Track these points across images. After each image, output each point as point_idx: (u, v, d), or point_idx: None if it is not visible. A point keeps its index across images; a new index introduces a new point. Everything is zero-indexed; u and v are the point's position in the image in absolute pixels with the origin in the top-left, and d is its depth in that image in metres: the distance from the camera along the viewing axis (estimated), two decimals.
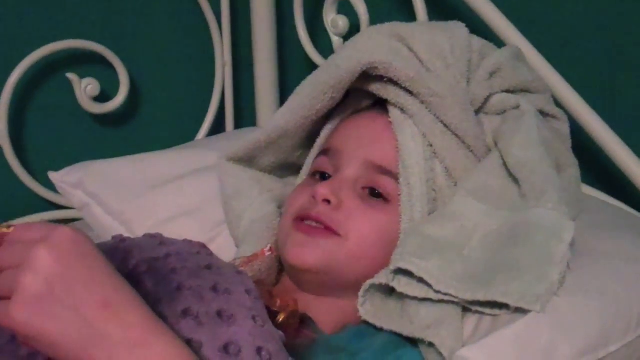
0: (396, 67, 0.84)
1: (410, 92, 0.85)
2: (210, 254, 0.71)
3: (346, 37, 1.25)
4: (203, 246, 0.89)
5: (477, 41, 0.91)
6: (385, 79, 0.86)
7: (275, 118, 0.93)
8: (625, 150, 0.99)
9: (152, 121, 1.39)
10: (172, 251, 0.69)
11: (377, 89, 0.88)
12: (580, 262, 0.78)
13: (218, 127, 1.42)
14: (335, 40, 1.27)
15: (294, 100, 0.92)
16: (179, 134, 1.36)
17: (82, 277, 0.55)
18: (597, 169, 1.05)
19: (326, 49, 1.28)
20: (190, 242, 0.74)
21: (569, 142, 0.94)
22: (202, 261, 0.68)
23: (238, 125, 1.44)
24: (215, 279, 0.65)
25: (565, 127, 0.94)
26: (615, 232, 0.87)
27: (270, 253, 0.84)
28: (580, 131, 1.00)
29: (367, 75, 0.87)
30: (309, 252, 0.81)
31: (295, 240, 0.82)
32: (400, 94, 0.86)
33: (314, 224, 0.82)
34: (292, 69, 1.46)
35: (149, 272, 0.66)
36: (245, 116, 1.47)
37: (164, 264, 0.67)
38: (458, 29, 0.90)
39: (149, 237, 0.74)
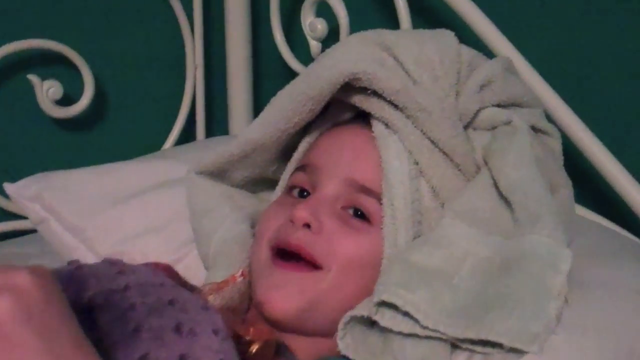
0: (381, 79, 0.80)
1: (396, 106, 0.81)
2: (174, 285, 0.65)
3: (325, 42, 1.22)
4: (168, 269, 0.83)
5: (467, 51, 0.86)
6: (368, 91, 0.81)
7: (249, 130, 0.88)
8: (618, 169, 0.95)
9: (118, 126, 1.35)
10: (132, 282, 0.63)
11: (359, 101, 0.83)
12: (577, 294, 0.73)
13: (188, 135, 1.38)
14: (314, 44, 1.23)
15: (269, 111, 0.86)
16: (146, 140, 1.32)
17: (58, 311, 0.50)
18: (589, 187, 1.02)
19: (304, 54, 1.24)
20: (154, 270, 0.68)
21: (561, 160, 0.90)
22: (165, 295, 0.62)
23: (209, 133, 1.40)
24: (178, 317, 0.59)
25: (557, 144, 0.90)
26: (612, 259, 0.82)
27: (242, 278, 0.79)
28: (573, 148, 0.96)
29: (350, 86, 0.82)
30: (285, 300, 0.76)
31: (271, 282, 0.77)
32: (385, 108, 0.81)
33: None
34: (268, 74, 1.42)
35: (105, 308, 0.60)
36: (217, 124, 1.43)
37: (122, 297, 0.61)
38: (447, 38, 0.85)
39: (108, 263, 0.68)
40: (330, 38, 1.20)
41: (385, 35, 0.84)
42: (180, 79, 1.36)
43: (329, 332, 0.77)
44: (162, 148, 1.33)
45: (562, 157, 0.90)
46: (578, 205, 0.96)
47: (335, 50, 0.84)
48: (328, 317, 0.77)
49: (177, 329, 0.58)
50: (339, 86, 0.81)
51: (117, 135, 1.34)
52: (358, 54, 0.81)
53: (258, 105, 1.36)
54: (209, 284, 0.79)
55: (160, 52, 1.37)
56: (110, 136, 1.34)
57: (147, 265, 0.73)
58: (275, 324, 0.77)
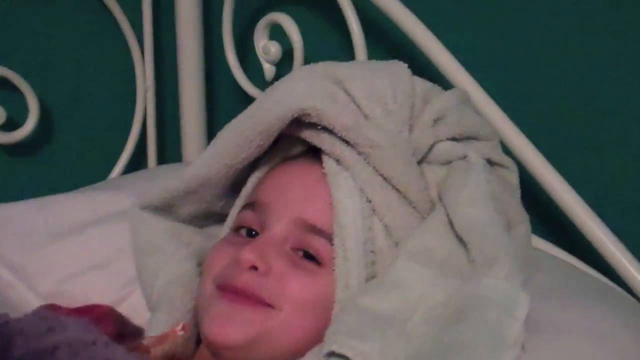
0: (331, 115, 0.77)
1: (347, 142, 0.78)
2: (107, 342, 0.61)
3: (278, 65, 1.18)
4: (109, 312, 0.79)
5: (421, 84, 0.83)
6: (319, 126, 0.79)
7: (196, 165, 0.85)
8: (576, 200, 0.92)
9: (65, 152, 1.30)
10: (62, 342, 0.59)
11: (310, 136, 0.80)
12: (534, 340, 0.70)
13: (139, 161, 1.33)
14: (267, 67, 1.19)
15: (216, 146, 0.83)
16: (94, 166, 1.28)
17: None
18: (546, 219, 0.99)
19: (258, 77, 1.20)
20: (87, 324, 0.63)
21: (518, 194, 0.88)
22: (96, 356, 0.58)
23: (161, 159, 1.35)
24: None
25: (514, 177, 0.88)
26: (572, 299, 0.79)
27: (182, 333, 0.75)
28: (530, 180, 0.94)
29: (300, 120, 0.79)
30: (232, 328, 0.73)
31: (217, 312, 0.74)
32: (336, 144, 0.79)
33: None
34: (222, 97, 1.38)
35: None
36: (170, 149, 1.38)
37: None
38: (400, 70, 0.83)
39: (38, 318, 0.64)
40: (284, 61, 1.17)
41: (336, 67, 0.81)
42: (130, 103, 1.31)
43: None
44: (111, 174, 1.28)
45: (519, 190, 0.88)
46: (535, 237, 0.93)
47: (284, 83, 0.81)
48: (275, 355, 0.75)
49: None
50: (287, 121, 0.78)
51: (64, 161, 1.29)
52: (307, 88, 0.79)
53: (212, 130, 1.32)
54: (147, 337, 0.75)
55: (109, 75, 1.32)
56: (57, 162, 1.29)
57: (83, 312, 0.69)
58: (221, 354, 0.75)
